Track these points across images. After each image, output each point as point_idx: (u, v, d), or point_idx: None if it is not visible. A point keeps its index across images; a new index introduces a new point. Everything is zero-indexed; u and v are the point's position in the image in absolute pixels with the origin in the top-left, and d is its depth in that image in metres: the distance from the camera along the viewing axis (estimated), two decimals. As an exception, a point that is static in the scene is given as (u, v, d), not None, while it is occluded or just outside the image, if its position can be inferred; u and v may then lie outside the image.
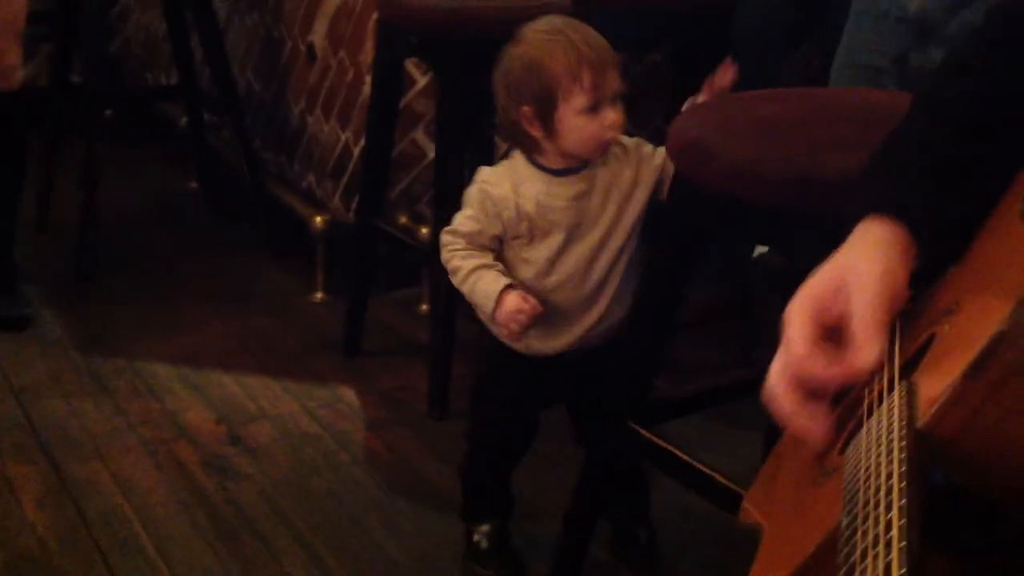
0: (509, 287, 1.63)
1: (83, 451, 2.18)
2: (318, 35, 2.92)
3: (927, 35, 1.83)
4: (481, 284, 1.65)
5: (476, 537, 1.89)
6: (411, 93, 2.70)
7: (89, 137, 2.84)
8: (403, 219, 2.77)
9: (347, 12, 2.79)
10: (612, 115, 1.60)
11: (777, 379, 0.80)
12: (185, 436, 2.24)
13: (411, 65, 2.66)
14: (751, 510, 0.97)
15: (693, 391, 1.77)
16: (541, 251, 1.66)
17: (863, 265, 0.81)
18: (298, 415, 2.33)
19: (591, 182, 1.64)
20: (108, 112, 3.76)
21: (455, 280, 1.69)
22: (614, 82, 1.60)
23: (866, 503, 0.62)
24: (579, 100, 1.59)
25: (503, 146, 2.83)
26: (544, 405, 1.83)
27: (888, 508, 0.59)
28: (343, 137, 2.87)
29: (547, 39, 1.61)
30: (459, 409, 2.34)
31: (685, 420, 2.03)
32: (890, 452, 0.65)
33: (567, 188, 1.64)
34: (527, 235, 1.66)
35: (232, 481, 2.10)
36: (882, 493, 0.61)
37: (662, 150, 1.61)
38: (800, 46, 2.96)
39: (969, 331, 0.68)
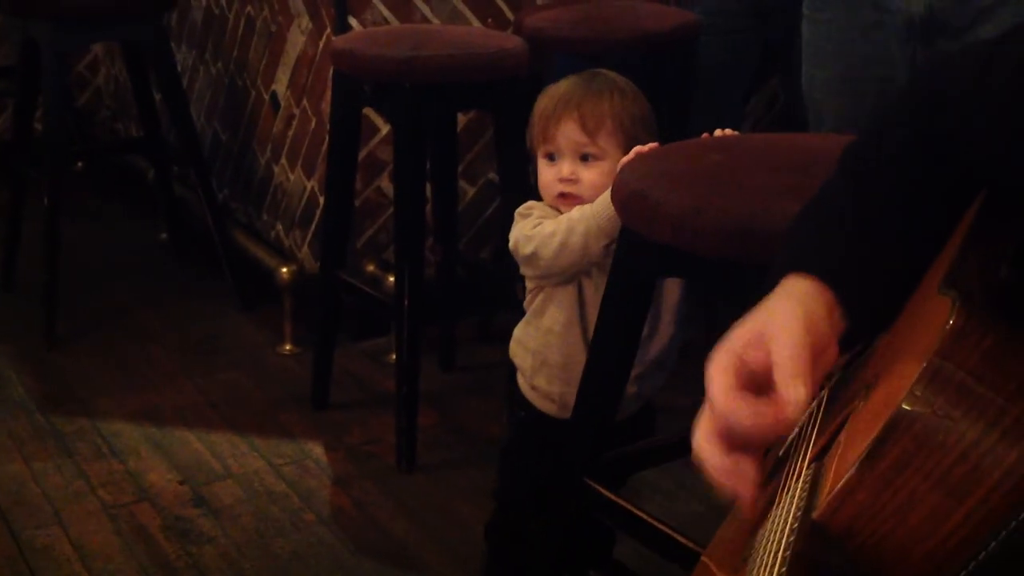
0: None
1: (42, 516, 2.14)
2: (281, 84, 2.90)
3: (934, 34, 1.79)
4: (584, 217, 1.55)
5: None
6: (374, 141, 2.68)
7: (51, 193, 2.81)
8: (370, 267, 2.74)
9: (307, 62, 2.77)
10: (566, 168, 1.59)
11: (703, 436, 0.78)
12: (147, 498, 2.20)
13: (373, 113, 2.64)
14: (709, 565, 0.94)
15: (654, 441, 1.74)
16: (569, 292, 1.64)
17: (781, 314, 0.78)
18: (264, 473, 2.29)
19: None
20: (78, 165, 3.76)
21: (555, 242, 1.57)
22: (573, 137, 1.60)
23: None
24: (539, 145, 1.65)
25: (469, 191, 2.82)
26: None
27: None
28: (308, 185, 2.84)
29: (553, 86, 1.67)
30: (427, 462, 2.31)
31: (661, 468, 2.00)
32: (778, 548, 0.62)
33: None
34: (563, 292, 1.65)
35: (194, 545, 2.06)
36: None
37: None
38: (767, 81, 2.95)
39: (877, 412, 0.65)
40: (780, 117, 2.98)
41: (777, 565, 0.60)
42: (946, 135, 0.82)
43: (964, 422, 0.61)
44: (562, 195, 1.63)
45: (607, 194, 1.51)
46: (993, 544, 0.59)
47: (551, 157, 1.64)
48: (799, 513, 0.65)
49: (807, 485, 0.68)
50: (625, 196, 1.37)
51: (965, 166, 0.81)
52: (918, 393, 0.61)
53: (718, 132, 1.56)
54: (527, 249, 1.61)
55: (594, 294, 1.64)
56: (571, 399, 1.66)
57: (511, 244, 1.65)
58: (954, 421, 0.61)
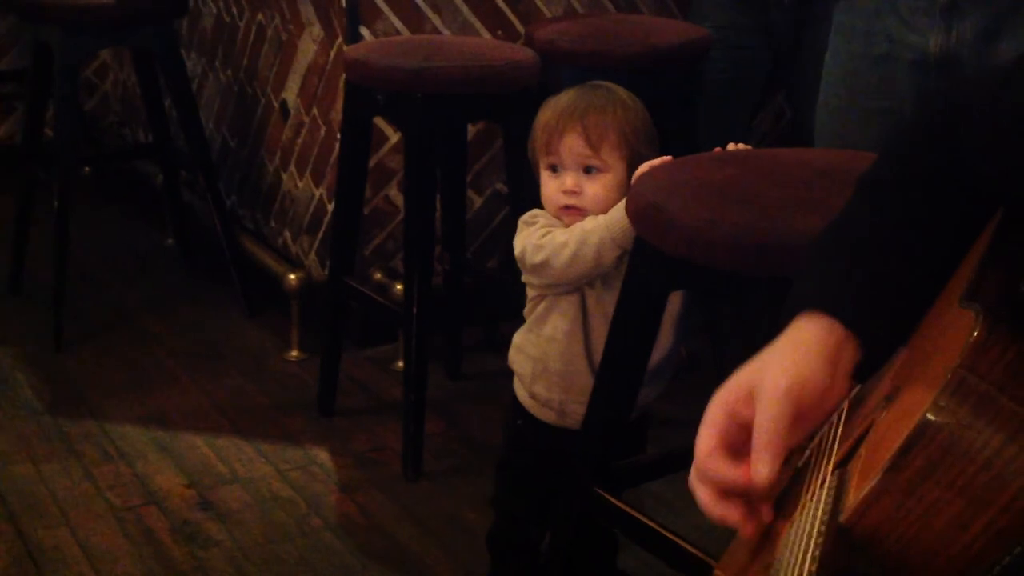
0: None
1: (50, 518, 2.15)
2: (291, 92, 2.92)
3: (952, 71, 1.79)
4: (593, 228, 1.56)
5: None
6: (384, 150, 2.70)
7: (60, 197, 2.82)
8: (377, 275, 2.75)
9: (318, 70, 2.79)
10: (569, 180, 1.60)
11: (692, 476, 0.85)
12: (154, 501, 2.21)
13: (383, 122, 2.66)
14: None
15: (663, 451, 1.75)
16: (573, 300, 1.65)
17: (775, 376, 0.81)
18: (270, 478, 2.30)
19: None
20: (86, 169, 3.78)
21: (568, 252, 1.58)
22: (576, 150, 1.60)
23: None
24: (542, 158, 1.65)
25: (477, 201, 2.83)
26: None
27: None
28: (317, 193, 2.86)
29: (555, 97, 1.68)
30: (433, 470, 2.32)
31: (665, 480, 2.01)
32: (807, 550, 0.63)
33: None
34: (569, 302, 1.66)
35: (201, 548, 2.07)
36: None
37: None
38: (773, 97, 2.97)
39: (900, 421, 0.67)
40: (786, 132, 3.00)
41: (807, 564, 0.62)
42: (963, 154, 0.84)
43: (987, 432, 0.62)
44: (565, 207, 1.63)
45: (621, 205, 1.52)
46: (1018, 549, 0.60)
47: (554, 169, 1.64)
48: (825, 518, 0.66)
49: (832, 491, 0.70)
50: (640, 208, 1.39)
51: (983, 185, 0.83)
52: (942, 403, 0.63)
53: (731, 146, 1.58)
54: (537, 258, 1.61)
55: (596, 303, 1.65)
56: (570, 407, 1.68)
57: (517, 252, 1.65)
58: (978, 431, 0.62)
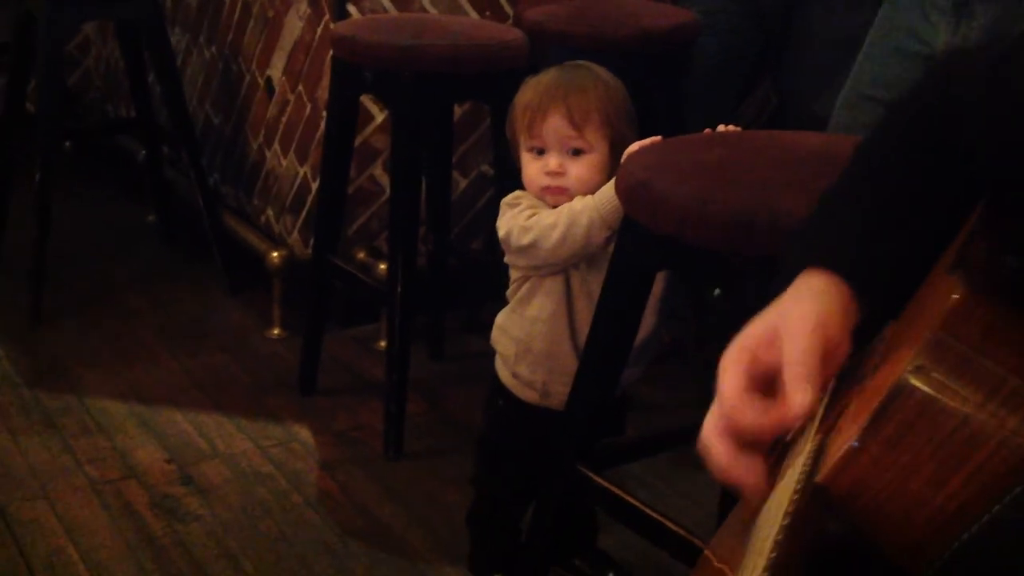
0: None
1: (29, 490, 2.14)
2: (276, 69, 2.91)
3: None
4: (580, 208, 1.56)
5: None
6: (369, 129, 2.69)
7: (42, 171, 2.80)
8: (361, 255, 2.75)
9: (304, 47, 2.78)
10: (553, 162, 1.60)
11: (711, 430, 0.80)
12: (134, 475, 2.20)
13: (369, 101, 2.65)
14: (711, 558, 0.96)
15: (646, 434, 1.76)
16: (558, 281, 1.65)
17: (796, 315, 0.80)
18: (251, 454, 2.30)
19: None
20: (67, 144, 3.75)
21: (556, 233, 1.58)
22: (561, 131, 1.60)
23: (754, 554, 0.62)
24: (524, 140, 1.65)
25: (462, 182, 2.83)
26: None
27: (761, 558, 0.59)
28: (301, 171, 2.85)
29: (534, 78, 1.67)
30: (414, 450, 2.33)
31: (646, 463, 2.02)
32: (782, 506, 0.64)
33: None
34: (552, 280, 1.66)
35: (181, 522, 2.07)
36: (766, 543, 0.61)
37: None
38: (760, 83, 2.97)
39: (882, 384, 0.67)
40: (773, 118, 3.01)
41: (780, 521, 0.63)
42: (958, 134, 0.84)
43: (964, 391, 0.63)
44: (547, 188, 1.63)
45: (610, 185, 1.52)
46: (994, 511, 0.61)
47: (538, 151, 1.64)
48: (803, 478, 0.67)
49: (811, 457, 0.70)
50: (630, 187, 1.39)
51: (976, 164, 0.83)
52: (920, 363, 0.64)
53: (721, 127, 1.58)
54: (525, 240, 1.60)
55: (581, 285, 1.65)
56: (553, 387, 1.68)
57: (501, 234, 1.65)
58: (955, 390, 0.63)
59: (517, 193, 1.68)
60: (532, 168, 1.63)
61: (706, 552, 0.97)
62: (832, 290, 0.83)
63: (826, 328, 0.80)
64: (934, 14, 1.80)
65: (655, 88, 2.39)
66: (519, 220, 1.62)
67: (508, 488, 1.83)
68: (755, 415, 0.78)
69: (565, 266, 1.64)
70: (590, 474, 1.55)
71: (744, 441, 0.79)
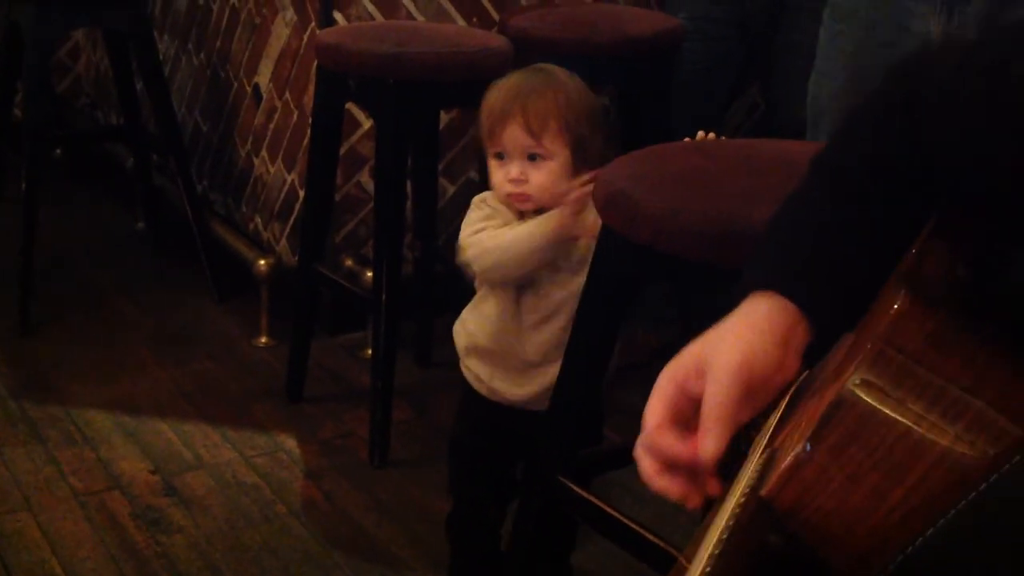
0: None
1: (12, 502, 2.13)
2: (263, 76, 2.90)
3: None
4: (525, 233, 1.60)
5: None
6: (356, 136, 2.68)
7: (29, 179, 2.79)
8: (348, 262, 2.74)
9: (291, 55, 2.77)
10: (514, 170, 1.60)
11: (639, 446, 0.85)
12: (118, 487, 2.19)
13: (356, 108, 2.64)
14: (682, 561, 0.95)
15: (628, 441, 1.74)
16: (508, 292, 1.67)
17: (725, 352, 0.81)
18: (236, 464, 2.29)
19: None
20: (57, 152, 3.74)
21: (490, 259, 1.62)
22: (519, 139, 1.60)
23: (698, 559, 0.62)
24: (488, 145, 1.65)
25: (449, 189, 2.82)
26: (517, 457, 1.81)
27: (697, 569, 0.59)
28: (289, 179, 2.84)
29: (497, 83, 1.67)
30: (400, 458, 2.32)
31: (631, 470, 2.00)
32: (724, 519, 0.63)
33: None
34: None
35: (164, 534, 2.06)
36: (703, 555, 0.61)
37: None
38: (747, 90, 2.97)
39: (827, 398, 0.66)
40: (759, 125, 3.00)
41: (715, 540, 0.62)
42: (917, 138, 0.83)
43: (904, 402, 0.62)
44: (511, 195, 1.64)
45: (547, 218, 1.56)
46: (943, 520, 0.60)
47: (500, 156, 1.64)
48: (747, 491, 0.66)
49: (758, 469, 0.70)
50: (607, 195, 1.38)
51: (934, 169, 0.82)
52: (862, 374, 0.63)
53: (700, 135, 1.58)
54: (466, 253, 1.66)
55: (533, 291, 1.66)
56: (496, 384, 1.71)
57: (460, 235, 1.69)
58: (896, 401, 0.62)
59: (484, 195, 1.70)
60: (497, 174, 1.64)
61: (680, 559, 0.97)
62: (773, 316, 0.83)
63: (751, 369, 0.81)
64: (919, 4, 1.77)
65: (640, 94, 2.39)
66: (466, 231, 1.66)
67: (481, 490, 1.83)
68: (671, 447, 0.82)
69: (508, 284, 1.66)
70: (570, 484, 1.54)
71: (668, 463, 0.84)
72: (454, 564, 1.88)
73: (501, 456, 1.79)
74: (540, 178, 1.60)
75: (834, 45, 1.94)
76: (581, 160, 1.59)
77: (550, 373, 1.64)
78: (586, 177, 1.55)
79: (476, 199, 1.70)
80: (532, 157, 1.61)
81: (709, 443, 0.79)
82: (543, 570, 1.84)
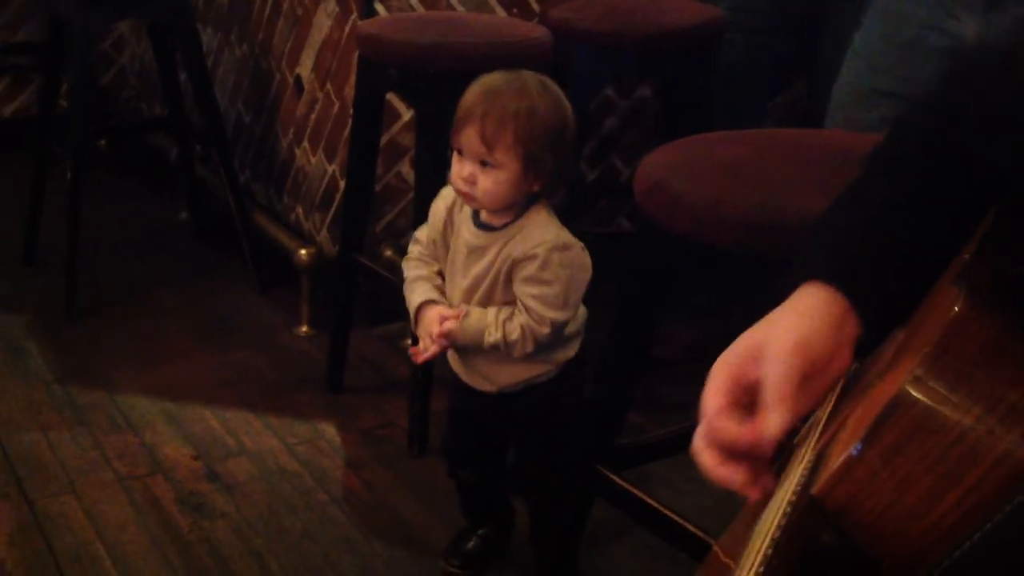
0: (428, 302, 1.70)
1: (57, 485, 2.16)
2: (305, 67, 2.92)
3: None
4: (411, 296, 1.74)
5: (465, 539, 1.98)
6: (396, 127, 2.70)
7: (74, 170, 2.83)
8: (388, 252, 2.75)
9: (332, 46, 2.79)
10: (466, 170, 1.63)
11: (698, 440, 0.84)
12: (161, 471, 2.22)
13: (397, 99, 2.65)
14: (718, 552, 0.96)
15: (667, 433, 1.75)
16: (448, 282, 1.74)
17: (781, 334, 0.81)
18: (277, 451, 2.31)
19: (492, 244, 1.67)
20: (102, 143, 3.78)
21: (406, 289, 1.77)
22: (474, 144, 1.62)
23: (753, 552, 0.62)
24: (452, 138, 1.67)
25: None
26: (502, 441, 1.88)
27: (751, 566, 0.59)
28: (330, 170, 2.86)
29: (478, 80, 1.69)
30: (439, 447, 2.32)
31: (670, 462, 2.01)
32: (776, 517, 0.64)
33: (476, 237, 1.69)
34: (441, 257, 1.75)
35: (207, 519, 2.08)
36: (759, 553, 0.61)
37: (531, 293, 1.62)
38: (794, 84, 2.95)
39: (881, 398, 0.67)
40: (803, 117, 2.99)
41: (767, 539, 0.62)
42: (965, 141, 0.83)
43: (962, 406, 0.62)
44: (462, 192, 1.66)
45: (417, 308, 1.70)
46: (988, 526, 0.60)
47: (460, 152, 1.66)
48: (798, 489, 0.66)
49: (809, 466, 0.70)
50: (647, 187, 1.38)
51: (990, 169, 0.82)
52: (919, 376, 0.63)
53: None
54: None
55: (449, 276, 1.74)
56: (456, 368, 1.79)
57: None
58: (952, 405, 0.62)
59: (444, 193, 1.76)
60: (454, 169, 1.66)
61: (715, 547, 0.97)
62: (824, 306, 0.83)
63: (808, 350, 0.80)
64: (958, 8, 1.77)
65: (681, 85, 2.38)
66: (409, 254, 1.79)
67: (462, 451, 1.93)
68: (733, 432, 0.81)
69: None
70: (610, 475, 1.54)
71: (727, 448, 0.83)
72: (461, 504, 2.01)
73: (484, 437, 1.88)
74: (487, 184, 1.61)
75: (861, 43, 1.94)
76: (532, 175, 1.61)
77: (500, 371, 1.71)
78: (453, 312, 1.66)
79: (443, 191, 1.76)
80: (484, 163, 1.62)
81: (772, 421, 0.78)
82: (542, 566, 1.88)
